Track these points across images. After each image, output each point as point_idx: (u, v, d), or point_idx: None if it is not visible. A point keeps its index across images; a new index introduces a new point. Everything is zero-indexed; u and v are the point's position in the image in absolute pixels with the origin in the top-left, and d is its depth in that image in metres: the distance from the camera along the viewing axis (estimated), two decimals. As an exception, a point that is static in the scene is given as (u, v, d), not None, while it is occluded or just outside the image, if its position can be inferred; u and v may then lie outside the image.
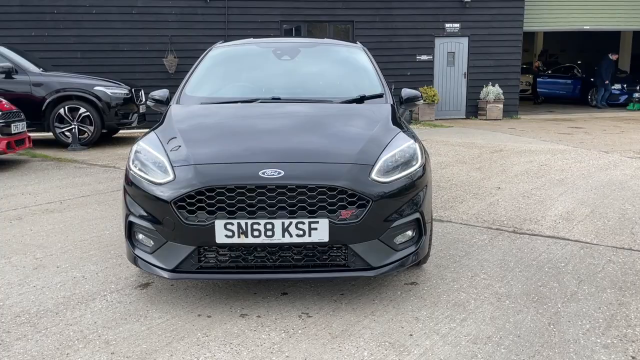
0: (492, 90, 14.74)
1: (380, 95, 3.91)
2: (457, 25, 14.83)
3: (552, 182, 6.51)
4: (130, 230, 3.07)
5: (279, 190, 2.79)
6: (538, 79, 21.36)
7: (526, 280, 3.45)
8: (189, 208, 2.81)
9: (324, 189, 2.81)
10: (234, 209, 2.79)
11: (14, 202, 5.58)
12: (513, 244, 4.17)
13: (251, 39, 4.87)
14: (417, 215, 3.09)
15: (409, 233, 3.12)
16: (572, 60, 22.31)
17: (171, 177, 2.90)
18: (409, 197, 3.05)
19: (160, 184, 2.90)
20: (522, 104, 19.17)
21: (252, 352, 2.56)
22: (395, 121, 3.58)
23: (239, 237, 2.79)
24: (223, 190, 2.78)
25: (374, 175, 2.95)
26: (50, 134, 9.70)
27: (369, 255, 2.92)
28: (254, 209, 2.79)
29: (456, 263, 3.76)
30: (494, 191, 6.04)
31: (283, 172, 2.82)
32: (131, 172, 3.08)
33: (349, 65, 4.39)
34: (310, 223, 2.79)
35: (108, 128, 10.04)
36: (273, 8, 13.99)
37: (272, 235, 2.79)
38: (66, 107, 9.59)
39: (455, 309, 3.02)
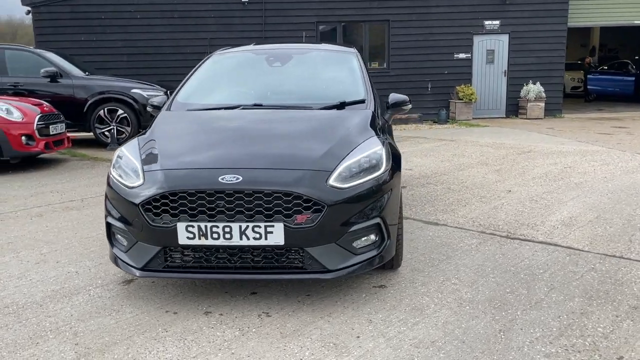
0: (533, 89, 14.36)
1: (362, 102, 3.98)
2: (497, 22, 14.54)
3: (568, 185, 6.36)
4: (109, 230, 3.30)
5: (236, 195, 2.94)
6: (589, 76, 20.59)
7: (496, 286, 3.45)
8: (154, 211, 3.01)
9: (280, 195, 2.94)
10: (195, 212, 2.96)
11: (41, 200, 5.99)
12: (499, 249, 4.15)
13: (251, 46, 5.05)
14: (377, 220, 3.16)
15: (371, 237, 3.20)
16: (632, 55, 21.28)
17: (141, 181, 3.10)
18: (369, 203, 3.13)
19: (131, 188, 3.11)
20: (571, 102, 18.60)
21: (202, 348, 2.72)
22: (370, 127, 3.65)
23: (199, 239, 2.96)
24: (185, 194, 2.96)
25: (332, 181, 3.05)
26: (92, 134, 10.25)
27: (326, 259, 3.03)
28: (213, 212, 2.95)
29: (433, 267, 3.80)
30: (503, 194, 5.96)
31: (241, 178, 2.97)
32: (111, 175, 3.31)
33: (337, 71, 4.47)
34: (266, 227, 2.93)
35: (144, 128, 10.49)
36: (308, 9, 14.16)
37: (231, 238, 2.95)
38: (105, 109, 10.11)
39: (412, 313, 3.08)
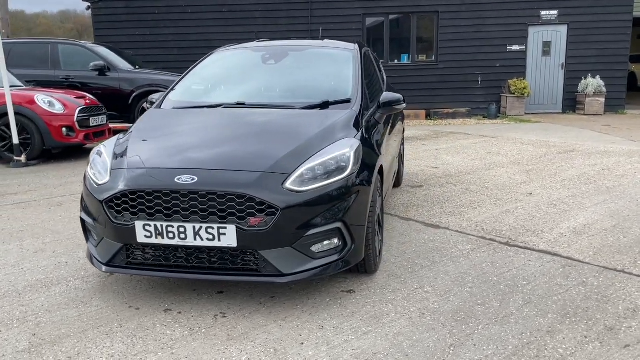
0: (592, 83, 13.57)
1: (347, 101, 3.89)
2: (555, 12, 13.82)
3: (599, 189, 5.97)
4: (84, 226, 3.41)
5: (191, 195, 2.95)
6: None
7: (469, 297, 3.29)
8: (116, 208, 3.08)
9: (233, 196, 2.93)
10: (152, 211, 3.01)
11: (67, 190, 6.30)
12: (490, 257, 3.96)
13: (254, 43, 5.05)
14: (338, 224, 3.09)
15: (332, 241, 3.13)
16: None
17: (107, 179, 3.18)
18: (329, 207, 3.06)
19: (98, 185, 3.19)
20: None
21: (146, 346, 2.77)
22: (348, 128, 3.57)
23: (156, 238, 3.01)
24: (143, 193, 3.01)
25: (289, 184, 3.00)
26: (136, 125, 10.63)
27: (280, 262, 2.99)
28: (169, 212, 2.99)
29: (412, 274, 3.67)
30: (522, 197, 5.68)
31: (196, 179, 2.98)
32: (86, 171, 3.42)
33: (329, 69, 4.39)
34: (219, 228, 2.93)
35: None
36: (355, 1, 14.01)
37: (185, 238, 2.97)
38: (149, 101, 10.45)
39: (368, 322, 2.99)
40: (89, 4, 14.77)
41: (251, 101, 3.97)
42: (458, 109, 14.00)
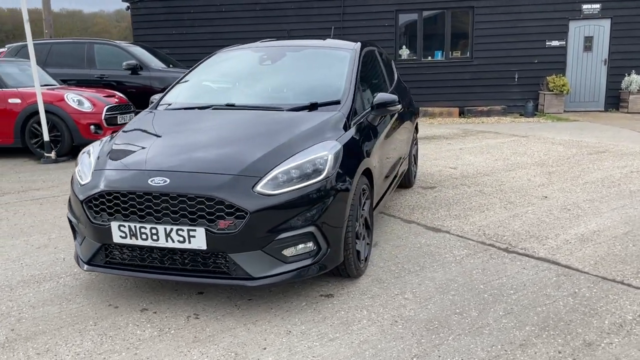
0: (636, 79, 12.96)
1: (336, 102, 3.83)
2: (597, 5, 13.24)
3: (620, 193, 5.69)
4: (71, 225, 3.51)
5: (162, 197, 2.99)
6: None
7: (449, 305, 3.20)
8: (94, 209, 3.15)
9: (203, 199, 2.94)
10: (127, 212, 3.06)
11: (86, 187, 6.49)
12: (483, 264, 3.83)
13: (258, 43, 5.05)
14: (310, 229, 3.06)
15: (308, 245, 3.10)
16: None
17: (89, 179, 3.26)
18: (301, 210, 3.03)
19: (81, 185, 3.27)
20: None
21: (113, 345, 2.82)
22: (332, 130, 3.52)
23: (130, 238, 3.06)
24: (118, 195, 3.06)
25: (260, 187, 2.99)
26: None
27: (250, 265, 2.99)
28: (143, 213, 3.03)
29: (397, 279, 3.60)
30: (535, 201, 5.47)
31: (168, 181, 3.01)
32: (74, 172, 3.51)
33: (324, 70, 4.33)
34: (189, 230, 2.95)
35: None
36: (388, -3, 13.83)
37: (157, 240, 3.01)
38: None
39: (337, 328, 2.95)
40: (129, 4, 15.17)
41: (241, 102, 3.97)
42: (493, 107, 13.63)
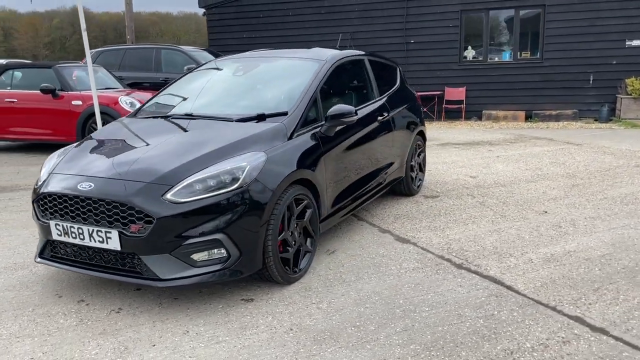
0: None
1: (283, 114, 3.96)
2: (687, 1, 12.02)
3: (634, 212, 5.28)
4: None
5: (87, 201, 3.30)
6: None
7: (355, 317, 3.22)
8: (41, 208, 3.54)
9: (117, 204, 3.22)
10: (62, 213, 3.42)
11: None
12: (422, 279, 3.78)
13: (249, 53, 5.27)
14: (218, 235, 3.23)
15: (218, 251, 3.28)
16: None
17: (41, 181, 3.66)
18: (209, 218, 3.22)
19: (35, 187, 3.69)
20: None
21: (34, 330, 3.16)
22: (264, 141, 3.65)
23: (64, 236, 3.41)
24: (55, 196, 3.43)
25: (169, 195, 3.21)
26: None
27: (158, 267, 3.22)
28: (73, 214, 3.37)
29: (327, 288, 3.67)
30: (530, 215, 5.22)
31: (93, 186, 3.32)
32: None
33: (288, 81, 4.44)
34: (106, 232, 3.25)
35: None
36: (452, -3, 13.49)
37: (84, 239, 3.34)
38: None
39: (232, 332, 3.10)
40: (205, 10, 16.05)
41: (199, 112, 4.22)
42: (562, 111, 12.86)
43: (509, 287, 3.62)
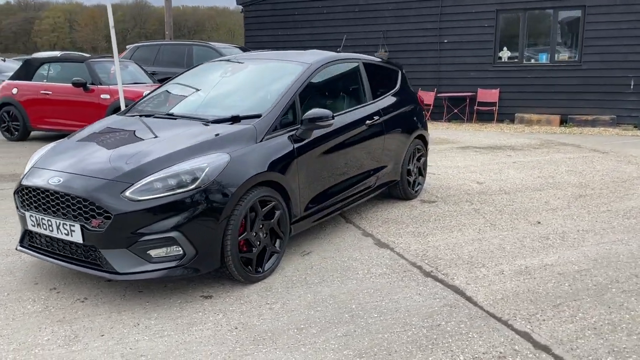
0: None
1: (257, 116, 4.03)
2: None
3: (632, 227, 5.07)
4: (23, 211, 4.18)
5: (55, 195, 3.49)
6: None
7: (302, 319, 3.28)
8: (20, 199, 3.76)
9: (80, 199, 3.39)
10: (36, 205, 3.62)
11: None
12: (384, 285, 3.79)
13: (246, 54, 5.37)
14: (173, 233, 3.36)
15: (174, 248, 3.41)
16: None
17: (24, 174, 3.88)
18: (164, 216, 3.34)
19: (19, 179, 3.91)
20: None
21: (1, 314, 3.38)
22: (230, 143, 3.74)
23: (37, 227, 3.62)
24: (30, 189, 3.64)
25: (128, 193, 3.35)
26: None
27: (115, 261, 3.38)
28: (44, 207, 3.57)
29: (287, 289, 3.73)
30: (521, 226, 5.11)
31: (62, 181, 3.51)
32: (28, 164, 4.17)
33: (271, 83, 4.51)
34: (70, 225, 3.43)
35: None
36: (487, -3, 13.19)
37: (52, 231, 3.53)
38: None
39: (179, 327, 3.21)
40: (242, 8, 16.32)
41: (180, 112, 4.35)
42: (599, 116, 12.38)
43: (468, 298, 3.58)
